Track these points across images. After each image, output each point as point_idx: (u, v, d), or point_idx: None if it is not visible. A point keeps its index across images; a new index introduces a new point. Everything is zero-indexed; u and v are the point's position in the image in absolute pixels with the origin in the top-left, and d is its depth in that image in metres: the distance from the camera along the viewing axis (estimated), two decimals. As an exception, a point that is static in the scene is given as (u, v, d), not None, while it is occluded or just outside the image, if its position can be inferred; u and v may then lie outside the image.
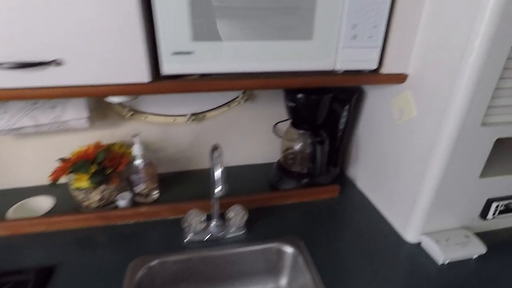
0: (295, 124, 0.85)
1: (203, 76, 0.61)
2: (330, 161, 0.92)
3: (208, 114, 0.96)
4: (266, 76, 0.62)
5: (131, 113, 0.87)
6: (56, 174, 0.72)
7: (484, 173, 0.67)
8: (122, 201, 0.76)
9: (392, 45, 0.63)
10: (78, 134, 0.85)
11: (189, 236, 0.69)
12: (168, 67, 0.56)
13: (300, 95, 0.77)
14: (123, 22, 0.51)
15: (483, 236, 0.72)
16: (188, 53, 0.55)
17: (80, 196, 0.76)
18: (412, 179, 0.69)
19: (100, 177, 0.73)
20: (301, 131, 0.85)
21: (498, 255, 0.69)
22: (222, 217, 0.72)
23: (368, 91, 0.83)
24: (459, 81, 0.55)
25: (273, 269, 0.72)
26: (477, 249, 0.67)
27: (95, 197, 0.76)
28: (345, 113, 0.83)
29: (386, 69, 0.66)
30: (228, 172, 1.00)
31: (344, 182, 0.94)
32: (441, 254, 0.65)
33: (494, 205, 0.70)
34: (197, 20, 0.53)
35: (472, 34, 0.52)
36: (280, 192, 0.84)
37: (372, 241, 0.73)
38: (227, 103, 0.95)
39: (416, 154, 0.67)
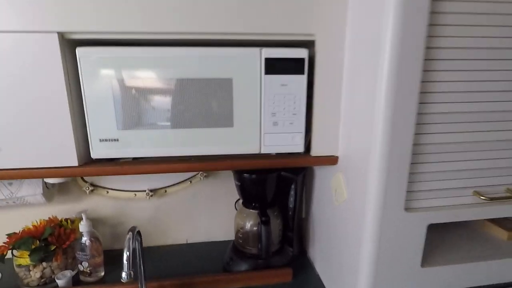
0: (246, 202, 0.85)
1: (136, 159, 0.66)
2: (285, 241, 0.89)
3: (169, 190, 0.99)
4: (194, 159, 0.65)
5: (91, 188, 0.92)
6: (1, 249, 0.74)
7: (427, 262, 0.62)
8: (62, 280, 0.75)
9: (317, 129, 0.66)
10: (40, 209, 0.89)
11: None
12: (96, 152, 0.61)
13: (245, 175, 0.79)
14: (55, 116, 0.58)
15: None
16: (115, 140, 0.60)
17: (21, 273, 0.76)
18: (351, 265, 0.64)
19: (41, 254, 0.74)
20: (251, 210, 0.84)
21: None
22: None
23: (316, 169, 0.83)
24: (372, 165, 0.55)
25: None
26: None
27: (35, 274, 0.75)
28: (292, 192, 0.82)
29: (315, 152, 0.68)
30: (187, 249, 0.98)
31: (304, 264, 0.89)
32: None
33: (447, 300, 0.62)
34: (121, 113, 0.59)
35: (374, 118, 0.54)
36: (226, 275, 0.79)
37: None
38: (188, 178, 0.99)
39: (353, 239, 0.64)
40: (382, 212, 0.56)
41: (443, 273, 0.62)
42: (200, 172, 0.97)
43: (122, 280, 0.55)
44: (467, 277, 0.63)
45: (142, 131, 0.61)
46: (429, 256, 0.64)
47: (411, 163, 0.55)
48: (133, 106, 0.59)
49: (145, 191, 0.95)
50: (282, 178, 0.82)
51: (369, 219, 0.57)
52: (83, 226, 0.79)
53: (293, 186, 0.82)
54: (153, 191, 0.96)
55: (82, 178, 0.91)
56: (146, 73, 0.58)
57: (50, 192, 0.85)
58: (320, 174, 0.80)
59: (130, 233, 0.60)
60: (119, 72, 0.57)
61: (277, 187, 0.82)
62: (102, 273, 0.83)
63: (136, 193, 0.96)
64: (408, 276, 0.61)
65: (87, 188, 0.91)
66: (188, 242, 1.01)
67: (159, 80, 0.59)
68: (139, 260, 0.67)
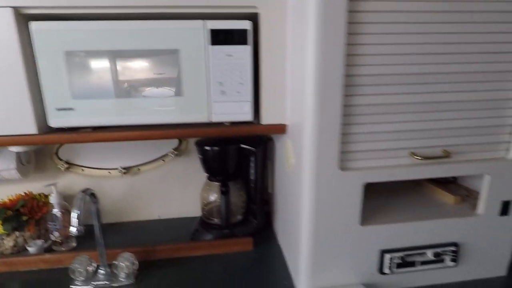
0: (210, 176, 0.89)
1: (96, 129, 0.70)
2: (250, 213, 0.92)
3: (143, 168, 1.03)
4: (147, 128, 0.69)
5: (66, 166, 0.96)
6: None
7: (368, 221, 0.65)
8: (33, 248, 0.80)
9: (265, 98, 0.70)
10: (16, 185, 0.94)
11: (76, 283, 0.70)
12: (54, 121, 0.65)
13: (206, 147, 0.83)
14: (13, 87, 0.62)
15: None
16: (70, 109, 0.65)
17: (-4, 241, 0.81)
18: (296, 228, 0.67)
19: (13, 224, 0.78)
20: (215, 183, 0.88)
21: None
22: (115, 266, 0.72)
23: (276, 142, 0.87)
24: (306, 127, 0.58)
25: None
26: (366, 307, 0.61)
27: (8, 243, 0.80)
28: (252, 165, 0.86)
29: (265, 120, 0.71)
30: (159, 224, 1.02)
31: (268, 235, 0.92)
32: (321, 311, 0.60)
33: (387, 257, 0.65)
34: (74, 83, 0.63)
35: (306, 83, 0.57)
36: (188, 244, 0.83)
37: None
38: (160, 157, 1.03)
39: (297, 202, 0.67)
40: (317, 172, 0.59)
41: (383, 231, 0.65)
42: (171, 150, 1.01)
43: (71, 234, 0.59)
44: (408, 236, 0.66)
45: (96, 101, 0.65)
46: (371, 216, 0.67)
47: (343, 124, 0.58)
48: (85, 77, 0.63)
49: (118, 169, 0.99)
50: (242, 151, 0.85)
51: (306, 178, 0.60)
52: (53, 198, 0.83)
53: (253, 159, 0.85)
54: (127, 169, 1.01)
55: (57, 155, 0.96)
56: (96, 45, 0.62)
57: (25, 169, 0.90)
58: (280, 146, 0.84)
59: (82, 193, 0.64)
60: (70, 45, 0.61)
61: (239, 160, 0.86)
62: (74, 244, 0.87)
63: (111, 171, 1.01)
64: (349, 234, 0.64)
65: (62, 166, 0.95)
66: (161, 218, 1.05)
67: (109, 52, 0.63)
68: (97, 221, 0.71)
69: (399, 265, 0.66)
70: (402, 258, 0.65)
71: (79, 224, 0.60)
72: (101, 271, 0.70)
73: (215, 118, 0.69)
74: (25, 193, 0.89)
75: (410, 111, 0.61)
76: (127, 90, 0.65)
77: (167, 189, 1.04)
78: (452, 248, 0.67)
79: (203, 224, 0.90)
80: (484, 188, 0.67)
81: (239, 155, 0.85)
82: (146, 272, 0.76)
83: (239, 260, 0.81)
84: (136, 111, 0.66)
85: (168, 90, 0.66)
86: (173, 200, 1.05)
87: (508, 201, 0.68)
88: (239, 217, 0.90)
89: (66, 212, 0.86)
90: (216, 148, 0.83)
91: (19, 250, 0.82)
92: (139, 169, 1.03)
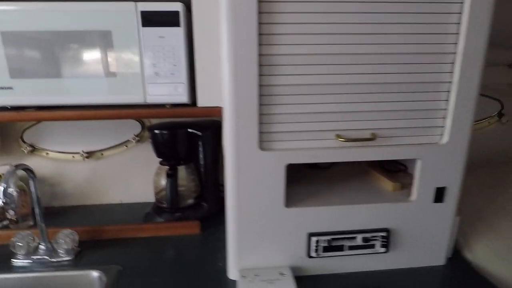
0: (162, 160, 0.90)
1: (40, 108, 0.72)
2: (203, 198, 0.93)
3: (106, 153, 1.06)
4: (85, 108, 0.71)
5: (30, 149, 1.00)
6: None
7: (293, 204, 0.65)
8: (-13, 224, 0.84)
9: (200, 80, 0.70)
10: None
11: (17, 257, 0.72)
12: (-6, 99, 0.68)
13: (155, 131, 0.85)
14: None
15: (314, 279, 0.66)
16: (9, 88, 0.67)
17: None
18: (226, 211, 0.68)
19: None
20: (165, 167, 0.89)
21: None
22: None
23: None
24: (225, 106, 0.59)
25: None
26: (285, 288, 0.61)
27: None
28: (201, 149, 0.87)
29: (201, 102, 0.72)
30: (119, 208, 1.05)
31: (219, 220, 0.92)
32: (239, 290, 0.60)
33: (313, 240, 0.65)
34: (11, 63, 0.66)
35: (223, 62, 0.57)
36: (135, 225, 0.85)
37: (200, 277, 0.69)
38: (123, 143, 1.05)
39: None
40: (237, 151, 0.60)
41: (310, 214, 0.65)
42: (133, 136, 1.03)
43: (-4, 206, 0.62)
44: (337, 220, 0.66)
45: (33, 80, 0.67)
46: (302, 198, 0.67)
47: (262, 104, 0.58)
48: (21, 57, 0.65)
49: (80, 153, 1.02)
50: (191, 135, 0.86)
51: (229, 158, 0.61)
52: (6, 175, 0.86)
53: (200, 143, 0.86)
54: (90, 154, 1.03)
55: (21, 139, 0.99)
56: (30, 26, 0.64)
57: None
58: (227, 131, 0.84)
59: (13, 167, 0.66)
60: (4, 26, 0.64)
61: (189, 145, 0.87)
62: (31, 223, 0.91)
63: (74, 155, 1.04)
64: (274, 216, 0.64)
65: (25, 149, 0.99)
66: (122, 202, 1.07)
67: (43, 33, 0.65)
68: (36, 198, 0.73)
69: (326, 249, 0.65)
70: (328, 241, 0.65)
71: (4, 196, 0.62)
72: (42, 247, 0.73)
73: (150, 100, 0.70)
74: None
75: (334, 92, 0.60)
76: (63, 70, 0.67)
77: (129, 174, 1.06)
78: (383, 234, 0.66)
79: (156, 208, 0.92)
80: (417, 173, 0.66)
81: (188, 140, 0.86)
82: (89, 250, 0.78)
83: (184, 242, 0.82)
84: (71, 91, 0.68)
85: (102, 71, 0.67)
86: (135, 185, 1.07)
87: (442, 187, 0.66)
88: (191, 201, 0.92)
89: (22, 192, 0.89)
90: (164, 131, 0.84)
91: (-26, 227, 0.86)
92: (102, 154, 1.05)
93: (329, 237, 0.65)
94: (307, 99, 0.60)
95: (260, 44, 0.55)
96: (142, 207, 1.04)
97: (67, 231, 0.75)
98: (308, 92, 0.59)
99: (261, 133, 0.60)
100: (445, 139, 0.64)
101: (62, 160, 1.03)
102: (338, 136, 0.61)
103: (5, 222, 0.87)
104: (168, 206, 0.86)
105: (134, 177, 1.07)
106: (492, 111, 1.13)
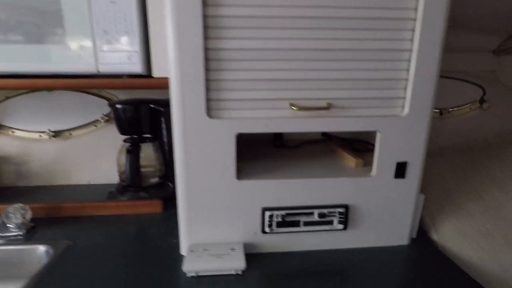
0: (125, 138, 0.88)
1: None
2: (167, 176, 0.91)
3: (74, 133, 1.03)
4: (38, 77, 0.68)
5: (-5, 127, 0.98)
6: None
7: (246, 176, 0.62)
8: None
9: (154, 50, 0.67)
10: None
11: (-34, 231, 0.70)
12: None
13: (117, 105, 0.82)
14: None
15: (269, 256, 0.64)
16: (-46, 54, 0.65)
17: None
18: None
19: None
20: (126, 144, 0.87)
21: (257, 276, 0.59)
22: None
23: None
24: (171, 72, 0.56)
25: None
26: (234, 264, 0.58)
27: None
28: (163, 126, 0.84)
29: (156, 73, 0.69)
30: (86, 189, 1.02)
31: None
32: (185, 264, 0.58)
33: (267, 214, 0.62)
34: (-45, 26, 0.63)
35: (166, 23, 0.55)
36: (94, 203, 0.83)
37: (152, 253, 0.67)
38: (92, 122, 1.02)
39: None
40: (184, 118, 0.57)
41: (264, 188, 0.62)
42: (102, 116, 1.00)
43: None
44: (293, 195, 0.63)
45: (-21, 46, 0.64)
46: (254, 172, 0.64)
47: (208, 70, 0.56)
48: (-34, 21, 0.63)
49: (47, 131, 1.00)
50: (154, 111, 0.83)
51: (176, 127, 0.58)
52: (-34, 153, 0.84)
53: (163, 119, 0.83)
54: (57, 133, 1.01)
55: (-15, 116, 0.97)
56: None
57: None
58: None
59: None
60: None
61: (152, 121, 0.84)
62: (-9, 201, 0.89)
63: (41, 134, 1.01)
64: (226, 189, 0.61)
65: (-10, 126, 0.97)
66: (90, 183, 1.05)
67: (-12, -5, 0.62)
68: None
69: (280, 224, 0.63)
70: (282, 216, 0.62)
71: None
72: (-8, 221, 0.71)
73: (103, 69, 0.67)
74: None
75: (287, 59, 0.57)
76: (11, 36, 0.64)
77: (98, 155, 1.04)
78: (340, 210, 0.64)
79: (120, 187, 0.90)
80: (376, 147, 0.63)
81: (151, 116, 0.84)
82: (43, 227, 0.76)
83: (144, 221, 0.80)
84: (21, 59, 0.66)
85: (51, 39, 0.65)
86: (104, 166, 1.05)
87: (403, 162, 0.63)
88: (156, 180, 0.89)
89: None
90: (126, 106, 0.81)
91: None
92: (70, 133, 1.03)
93: (283, 212, 0.62)
94: (258, 65, 0.57)
95: (205, 5, 0.52)
96: (110, 188, 1.02)
97: (18, 205, 0.72)
98: (259, 58, 0.56)
99: (209, 100, 0.57)
100: (405, 111, 0.61)
101: (29, 139, 1.01)
102: (292, 105, 0.59)
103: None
104: (129, 184, 0.84)
105: (103, 157, 1.04)
106: (474, 97, 1.10)
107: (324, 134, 0.94)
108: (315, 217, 0.63)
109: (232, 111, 0.59)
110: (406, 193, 0.66)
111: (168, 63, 0.56)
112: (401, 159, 0.63)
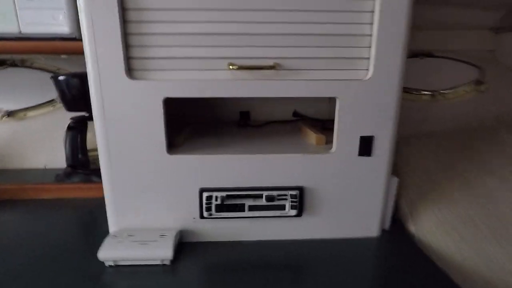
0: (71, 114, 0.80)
1: None
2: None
3: (30, 113, 0.96)
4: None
5: None
6: None
7: (179, 151, 0.53)
8: None
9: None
10: None
11: None
12: None
13: (60, 77, 0.74)
14: None
15: (210, 246, 0.55)
16: None
17: None
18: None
19: None
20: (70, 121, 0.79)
21: (188, 268, 0.50)
22: None
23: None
24: (82, 20, 0.47)
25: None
26: (160, 252, 0.49)
27: None
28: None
29: (89, 36, 0.60)
30: (42, 173, 0.95)
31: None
32: (100, 251, 0.49)
33: (204, 196, 0.53)
34: None
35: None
36: (35, 185, 0.75)
37: (80, 237, 0.58)
38: (49, 102, 0.95)
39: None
40: (98, 78, 0.48)
41: (202, 164, 0.53)
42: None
43: None
44: (237, 174, 0.53)
45: None
46: (195, 147, 0.55)
47: (126, 21, 0.47)
48: None
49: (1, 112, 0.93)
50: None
51: (92, 91, 0.49)
52: None
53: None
54: (11, 113, 0.94)
55: None
56: None
57: None
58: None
59: None
60: None
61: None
62: None
63: (-5, 114, 0.94)
64: (154, 165, 0.52)
65: None
66: (47, 167, 0.98)
67: None
68: None
69: (220, 208, 0.53)
70: (223, 199, 0.53)
71: None
72: None
73: (25, 30, 0.59)
74: None
75: (225, 8, 0.48)
76: None
77: (56, 137, 0.96)
78: (292, 193, 0.54)
79: (68, 170, 0.82)
80: (336, 118, 0.53)
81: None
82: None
83: (86, 205, 0.72)
84: None
85: (-35, -8, 0.57)
86: (60, 149, 0.97)
87: (369, 137, 0.53)
88: (106, 164, 0.81)
89: None
90: (69, 77, 0.73)
91: None
92: (25, 114, 0.96)
93: (223, 194, 0.53)
94: (190, 15, 0.47)
95: None
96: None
97: None
98: (191, 7, 0.47)
99: (130, 58, 0.48)
100: (369, 74, 0.51)
101: (-20, 120, 0.94)
102: (231, 64, 0.49)
103: None
104: (72, 165, 0.75)
105: (60, 140, 0.97)
106: (469, 79, 0.98)
107: (296, 114, 0.84)
108: (263, 201, 0.54)
109: (160, 72, 0.49)
110: (373, 174, 0.55)
111: (79, 12, 0.47)
112: (366, 133, 0.53)
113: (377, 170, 0.55)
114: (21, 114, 0.95)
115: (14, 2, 0.58)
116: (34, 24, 0.59)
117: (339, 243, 0.57)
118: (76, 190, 0.74)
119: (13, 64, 0.93)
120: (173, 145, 0.56)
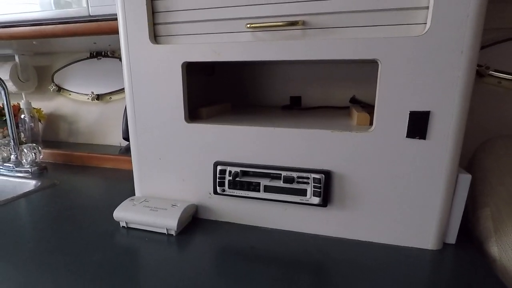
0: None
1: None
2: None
3: (114, 97, 1.10)
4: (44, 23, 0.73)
5: (56, 88, 1.13)
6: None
7: (197, 120, 0.50)
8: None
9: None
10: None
11: (-4, 162, 0.81)
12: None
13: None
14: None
15: (224, 225, 0.51)
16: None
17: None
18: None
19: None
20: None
21: (191, 243, 0.46)
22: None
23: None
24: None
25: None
26: (165, 221, 0.47)
27: (-6, 135, 1.00)
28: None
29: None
30: (113, 150, 1.07)
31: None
32: (115, 211, 0.50)
33: (218, 169, 0.49)
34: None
35: None
36: (97, 154, 0.84)
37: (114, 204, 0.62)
38: (128, 88, 1.08)
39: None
40: (127, 44, 0.50)
41: (217, 134, 0.49)
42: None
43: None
44: (258, 149, 0.48)
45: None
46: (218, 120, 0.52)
47: (152, -15, 0.47)
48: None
49: (91, 95, 1.10)
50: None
51: (123, 55, 0.51)
52: (22, 104, 0.99)
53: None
54: (100, 96, 1.10)
55: (52, 79, 1.13)
56: None
57: (24, 85, 1.09)
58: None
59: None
60: None
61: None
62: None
63: (88, 97, 1.12)
64: (174, 133, 0.51)
65: (51, 87, 1.12)
66: (121, 145, 1.10)
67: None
68: (7, 111, 0.79)
69: (232, 185, 0.48)
70: (236, 174, 0.47)
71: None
72: (12, 156, 0.79)
73: (93, 12, 0.67)
74: (13, 104, 1.09)
75: (245, -37, 0.43)
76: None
77: (130, 119, 1.08)
78: (316, 176, 0.45)
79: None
80: (377, 86, 0.42)
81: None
82: (54, 169, 0.81)
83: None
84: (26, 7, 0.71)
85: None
86: (133, 130, 1.08)
87: (424, 112, 0.40)
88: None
89: (34, 119, 1.00)
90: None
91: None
92: (110, 97, 1.11)
93: (238, 169, 0.48)
94: (210, -26, 0.45)
95: None
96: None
97: (31, 144, 0.80)
98: (211, -36, 0.45)
99: (155, 24, 0.48)
100: (426, 28, 0.38)
101: (79, 101, 1.13)
102: (251, 24, 0.44)
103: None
104: (125, 137, 0.83)
105: (134, 122, 1.08)
106: None
107: (354, 100, 0.73)
108: (281, 182, 0.46)
109: (181, 37, 0.48)
110: (429, 164, 0.41)
111: (116, -18, 0.50)
112: (419, 108, 0.40)
113: (435, 159, 0.41)
114: (107, 97, 1.10)
115: (85, -12, 0.66)
116: (99, 7, 0.66)
117: (378, 249, 0.45)
118: (128, 162, 0.81)
119: (106, 55, 1.08)
120: (197, 117, 0.54)
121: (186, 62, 0.48)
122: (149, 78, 0.50)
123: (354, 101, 0.73)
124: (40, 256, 0.43)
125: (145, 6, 0.47)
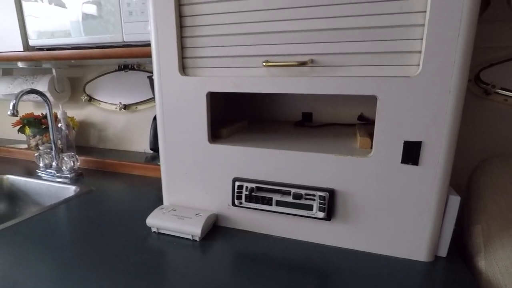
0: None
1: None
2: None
3: (140, 107, 1.20)
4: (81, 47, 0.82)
5: (87, 98, 1.23)
6: (15, 124, 1.13)
7: (219, 141, 0.58)
8: (43, 147, 1.08)
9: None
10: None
11: (39, 167, 0.91)
12: (33, 41, 0.87)
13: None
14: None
15: (240, 233, 0.58)
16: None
17: (27, 139, 1.14)
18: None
19: (35, 129, 1.08)
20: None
21: (213, 248, 0.54)
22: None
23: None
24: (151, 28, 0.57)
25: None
26: (191, 228, 0.55)
27: (33, 142, 1.11)
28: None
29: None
30: (142, 155, 1.17)
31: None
32: (148, 218, 0.58)
33: (236, 184, 0.56)
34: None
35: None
36: (128, 162, 0.93)
37: (143, 207, 0.71)
38: (153, 98, 1.17)
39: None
40: (160, 75, 0.58)
41: (236, 154, 0.56)
42: (158, 93, 1.13)
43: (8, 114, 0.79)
44: (271, 167, 0.55)
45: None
46: (236, 140, 0.59)
47: (182, 26, 0.55)
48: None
49: (118, 104, 1.20)
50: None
51: (156, 85, 0.59)
52: (60, 114, 1.10)
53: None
54: (126, 106, 1.20)
55: (84, 90, 1.24)
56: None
57: (59, 96, 1.21)
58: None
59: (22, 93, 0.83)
60: (36, -21, 0.81)
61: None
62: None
63: (116, 106, 1.22)
64: (198, 152, 0.59)
65: (83, 98, 1.23)
66: (146, 152, 1.19)
67: (58, -17, 0.79)
68: (49, 119, 0.89)
69: (249, 198, 0.55)
70: (251, 190, 0.55)
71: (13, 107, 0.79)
72: (54, 163, 0.90)
73: (127, 38, 0.75)
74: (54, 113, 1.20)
75: (261, 8, 0.50)
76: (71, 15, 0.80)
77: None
78: (321, 194, 0.51)
79: (154, 154, 0.99)
80: (377, 118, 0.48)
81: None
82: (89, 175, 0.91)
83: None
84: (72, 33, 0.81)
85: (92, 10, 0.77)
86: (157, 138, 1.18)
87: (415, 142, 0.46)
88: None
89: (69, 127, 1.11)
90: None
91: (38, 148, 1.12)
92: (136, 107, 1.20)
93: (253, 185, 0.55)
94: (230, 18, 0.52)
95: (176, -45, 0.52)
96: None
97: (71, 153, 0.90)
98: (234, 9, 0.52)
99: (184, 58, 0.56)
100: (418, 69, 0.44)
101: (108, 110, 1.24)
102: (267, 61, 0.51)
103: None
104: (152, 148, 0.91)
105: (157, 130, 1.18)
106: None
107: (361, 117, 0.79)
108: (290, 198, 0.53)
109: (205, 69, 0.56)
110: (421, 187, 0.47)
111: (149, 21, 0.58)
112: (412, 138, 0.46)
113: (426, 182, 0.47)
114: (133, 107, 1.20)
115: (121, 19, 0.75)
116: (132, 34, 0.75)
117: (375, 258, 0.51)
118: (154, 170, 0.90)
119: (132, 68, 1.18)
120: (218, 137, 0.61)
121: (209, 92, 0.55)
122: (177, 103, 0.58)
123: (361, 118, 0.79)
124: (88, 255, 0.52)
125: (176, 43, 0.55)
